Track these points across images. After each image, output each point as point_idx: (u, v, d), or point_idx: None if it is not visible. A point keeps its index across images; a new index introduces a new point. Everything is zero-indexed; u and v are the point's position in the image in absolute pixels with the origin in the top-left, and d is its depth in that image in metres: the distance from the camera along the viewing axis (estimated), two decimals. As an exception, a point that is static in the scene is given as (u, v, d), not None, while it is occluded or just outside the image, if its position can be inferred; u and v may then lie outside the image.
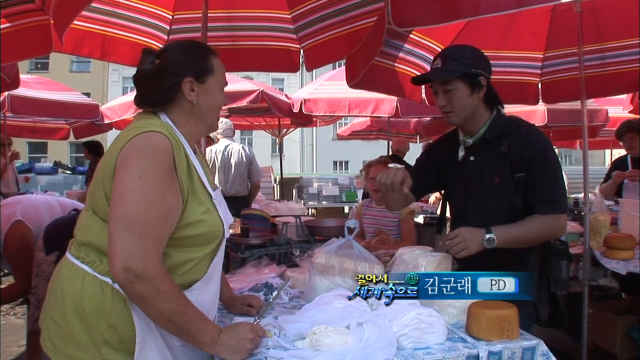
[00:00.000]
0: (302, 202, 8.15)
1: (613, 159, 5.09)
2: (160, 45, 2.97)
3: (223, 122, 5.26)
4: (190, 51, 1.44)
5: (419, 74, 3.11)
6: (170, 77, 1.39)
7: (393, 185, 1.74)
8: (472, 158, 1.90)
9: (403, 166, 1.79)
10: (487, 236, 1.70)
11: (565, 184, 1.89)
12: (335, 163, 27.21)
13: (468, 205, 1.93)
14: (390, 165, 1.79)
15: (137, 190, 1.22)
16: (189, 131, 1.43)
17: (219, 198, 1.46)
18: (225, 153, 5.11)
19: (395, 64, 3.15)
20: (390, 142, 6.95)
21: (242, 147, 5.28)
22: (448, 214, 2.15)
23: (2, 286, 3.16)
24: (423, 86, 3.47)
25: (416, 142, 9.08)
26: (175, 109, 1.42)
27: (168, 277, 1.24)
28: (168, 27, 3.12)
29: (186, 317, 1.23)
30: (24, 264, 2.67)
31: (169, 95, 1.40)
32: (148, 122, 1.36)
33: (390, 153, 6.41)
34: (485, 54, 1.93)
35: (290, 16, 3.12)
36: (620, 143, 4.11)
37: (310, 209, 8.09)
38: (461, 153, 1.94)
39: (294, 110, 6.03)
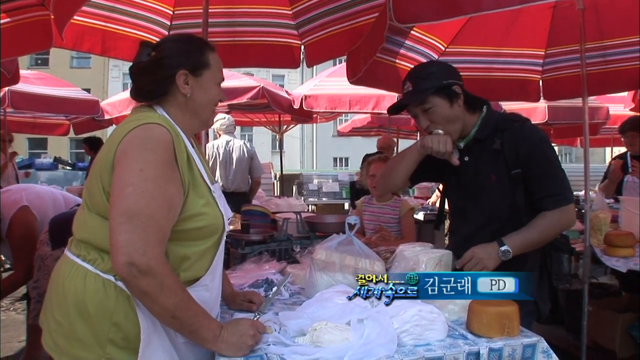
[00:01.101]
0: (302, 198, 8.15)
1: (613, 157, 5.08)
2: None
3: (225, 119, 5.27)
4: (187, 44, 1.44)
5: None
6: (165, 69, 1.38)
7: (447, 153, 1.79)
8: (466, 159, 1.88)
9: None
10: (502, 249, 1.68)
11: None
12: (335, 159, 27.20)
13: (467, 206, 1.91)
14: (439, 130, 1.80)
15: (139, 183, 1.21)
16: (184, 125, 1.42)
17: (218, 192, 1.46)
18: (227, 148, 5.11)
19: (397, 61, 3.14)
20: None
21: (244, 142, 5.28)
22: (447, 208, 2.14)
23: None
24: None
25: (416, 139, 9.04)
26: (170, 102, 1.41)
27: (171, 272, 1.23)
28: (169, 23, 3.11)
29: (189, 313, 1.23)
30: (26, 251, 2.65)
31: (164, 87, 1.39)
32: (145, 114, 1.35)
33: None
34: (480, 49, 1.92)
35: (291, 12, 3.11)
36: (622, 139, 4.09)
37: (310, 206, 8.09)
38: (456, 155, 1.90)
39: (295, 107, 6.01)
